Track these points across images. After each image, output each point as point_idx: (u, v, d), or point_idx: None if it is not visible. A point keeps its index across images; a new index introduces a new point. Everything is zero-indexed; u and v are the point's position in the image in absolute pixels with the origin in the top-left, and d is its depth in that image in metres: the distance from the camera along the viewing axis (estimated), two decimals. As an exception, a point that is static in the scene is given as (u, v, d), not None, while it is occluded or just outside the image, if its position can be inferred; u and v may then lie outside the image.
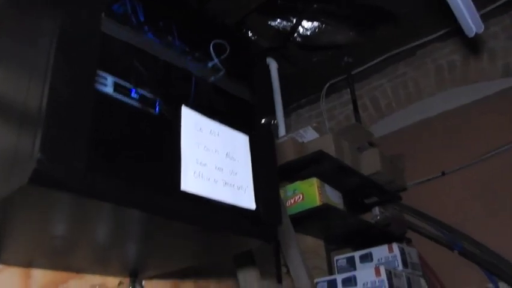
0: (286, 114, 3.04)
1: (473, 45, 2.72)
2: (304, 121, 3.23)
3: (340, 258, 2.30)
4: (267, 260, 1.96)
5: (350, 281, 2.03)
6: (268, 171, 1.17)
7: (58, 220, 0.90)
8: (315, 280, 2.11)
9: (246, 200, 1.07)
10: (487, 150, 2.54)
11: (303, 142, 2.25)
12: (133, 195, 0.83)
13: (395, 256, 2.16)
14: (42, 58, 0.79)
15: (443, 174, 2.63)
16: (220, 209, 0.99)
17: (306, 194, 2.02)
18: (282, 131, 2.48)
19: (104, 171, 0.81)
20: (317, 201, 1.97)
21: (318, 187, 2.01)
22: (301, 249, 2.16)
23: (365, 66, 3.07)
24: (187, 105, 1.01)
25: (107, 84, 0.89)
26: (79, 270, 1.24)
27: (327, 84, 3.21)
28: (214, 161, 1.02)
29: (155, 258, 1.24)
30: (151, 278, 1.40)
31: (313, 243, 2.32)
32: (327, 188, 2.10)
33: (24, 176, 0.71)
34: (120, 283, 1.29)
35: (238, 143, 1.12)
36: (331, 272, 2.31)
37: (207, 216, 0.97)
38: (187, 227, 0.96)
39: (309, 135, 2.28)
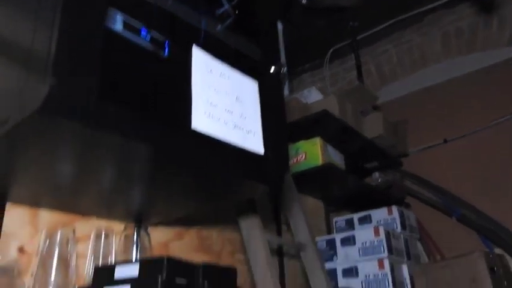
0: (289, 79, 3.01)
1: (483, 11, 2.68)
2: (307, 86, 3.20)
3: (339, 220, 2.34)
4: (267, 217, 1.99)
5: (349, 240, 2.06)
6: (277, 118, 1.16)
7: (66, 156, 0.90)
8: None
9: (255, 144, 1.07)
10: (490, 119, 2.54)
11: (306, 103, 2.24)
12: (143, 129, 0.82)
13: (394, 218, 2.19)
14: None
15: (445, 141, 2.64)
16: (230, 151, 0.99)
17: (309, 153, 2.02)
18: (285, 92, 2.46)
19: (115, 103, 0.80)
20: (319, 161, 1.98)
21: (321, 147, 2.02)
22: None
23: (370, 32, 3.03)
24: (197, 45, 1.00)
25: (117, 22, 0.88)
26: (85, 213, 1.25)
27: (331, 50, 3.18)
28: (224, 103, 1.02)
29: (160, 204, 1.25)
30: (155, 224, 1.42)
31: (313, 204, 2.34)
32: (330, 148, 2.10)
33: (35, 103, 0.71)
34: (126, 228, 1.30)
35: (247, 88, 1.11)
36: (330, 233, 2.34)
37: (216, 157, 0.97)
38: (196, 167, 0.96)
39: (313, 96, 2.27)
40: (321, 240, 2.13)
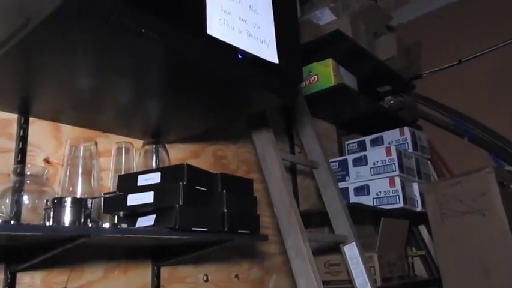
0: (301, 2, 2.92)
1: None
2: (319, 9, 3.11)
3: (351, 142, 2.37)
4: (281, 136, 2.03)
5: (361, 160, 2.10)
6: (291, 28, 1.15)
7: (84, 65, 0.91)
8: (327, 160, 2.18)
9: (269, 53, 1.07)
10: (506, 38, 2.48)
11: (319, 24, 2.20)
12: (161, 32, 0.82)
13: (405, 139, 2.22)
14: None
15: (460, 62, 2.59)
16: (244, 59, 1.00)
17: (321, 74, 2.02)
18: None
19: (133, 5, 0.80)
20: (332, 81, 1.97)
21: (333, 68, 2.00)
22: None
23: (384, -49, 2.89)
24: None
25: None
26: (105, 129, 1.29)
27: (344, -30, 3.05)
28: (238, 11, 1.01)
29: (177, 119, 1.28)
30: (172, 142, 1.46)
31: (325, 127, 2.37)
32: (342, 70, 2.09)
33: (55, 2, 0.71)
34: (144, 144, 1.35)
35: (260, -3, 1.09)
36: (342, 154, 2.39)
37: (232, 63, 0.98)
38: (211, 73, 0.97)
39: (325, 17, 2.22)
40: (333, 161, 2.18)
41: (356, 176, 2.10)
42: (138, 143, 1.35)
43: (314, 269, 1.34)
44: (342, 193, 2.06)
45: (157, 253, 1.33)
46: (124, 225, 1.07)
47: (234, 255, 1.62)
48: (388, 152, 2.04)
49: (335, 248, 1.76)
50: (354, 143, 2.36)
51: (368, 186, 2.05)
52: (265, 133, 1.51)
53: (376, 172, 2.04)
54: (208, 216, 1.09)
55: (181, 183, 1.03)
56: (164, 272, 1.36)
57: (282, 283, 1.80)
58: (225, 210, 1.12)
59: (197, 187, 1.09)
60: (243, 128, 1.57)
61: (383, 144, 2.26)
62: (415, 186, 2.10)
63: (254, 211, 1.23)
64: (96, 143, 1.18)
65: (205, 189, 1.11)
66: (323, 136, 2.32)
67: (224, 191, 1.14)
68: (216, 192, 1.14)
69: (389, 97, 2.35)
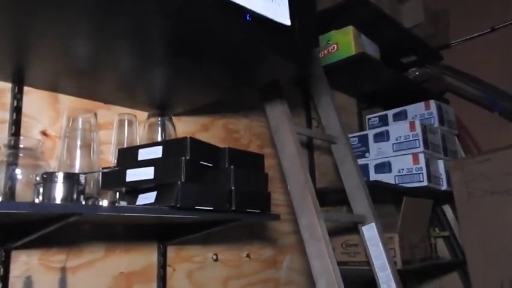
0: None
1: None
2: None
3: (372, 117, 2.25)
4: (296, 109, 1.92)
5: (382, 135, 1.98)
6: (305, -14, 1.04)
7: (81, 27, 0.82)
8: (346, 135, 2.07)
9: (281, 14, 0.96)
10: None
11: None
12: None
13: (431, 113, 2.08)
14: None
15: (493, 29, 2.41)
16: (253, 20, 0.89)
17: (341, 43, 1.88)
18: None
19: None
20: (353, 50, 1.84)
21: (354, 36, 1.87)
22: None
23: None
24: None
25: None
26: (106, 100, 1.21)
27: None
28: (245, -35, 0.90)
29: (184, 89, 1.19)
30: (179, 114, 1.37)
31: (345, 100, 2.24)
32: (364, 38, 1.95)
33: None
34: (149, 116, 1.26)
35: (271, -50, 0.98)
36: (362, 130, 2.27)
37: (240, 25, 0.87)
38: (218, 35, 0.87)
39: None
40: (353, 136, 2.07)
41: (377, 153, 1.98)
42: (142, 115, 1.27)
43: (330, 250, 1.25)
44: (362, 170, 1.96)
45: (162, 231, 1.27)
46: (124, 203, 1.00)
47: (245, 234, 1.54)
48: (412, 126, 1.91)
49: (353, 228, 1.67)
50: (375, 117, 2.24)
51: (389, 163, 1.93)
52: (279, 105, 1.41)
53: (399, 148, 1.92)
54: (213, 193, 1.01)
55: (183, 157, 0.95)
56: (171, 251, 1.29)
57: (296, 263, 1.73)
58: (233, 188, 1.03)
59: (202, 162, 1.00)
60: (255, 100, 1.47)
61: (406, 118, 2.13)
62: (440, 163, 1.97)
63: (265, 189, 1.14)
64: (96, 115, 1.10)
65: (210, 164, 1.03)
66: (342, 110, 2.20)
67: (232, 166, 1.05)
68: (223, 168, 1.06)
69: (414, 68, 2.20)
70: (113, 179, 1.00)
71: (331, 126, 1.65)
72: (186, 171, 0.94)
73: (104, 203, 1.00)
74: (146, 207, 0.94)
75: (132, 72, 1.05)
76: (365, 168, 1.98)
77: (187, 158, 0.95)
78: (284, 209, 1.67)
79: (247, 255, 1.53)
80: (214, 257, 1.42)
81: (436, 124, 2.05)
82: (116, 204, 0.99)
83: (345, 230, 1.80)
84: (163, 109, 1.29)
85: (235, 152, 1.09)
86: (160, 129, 1.26)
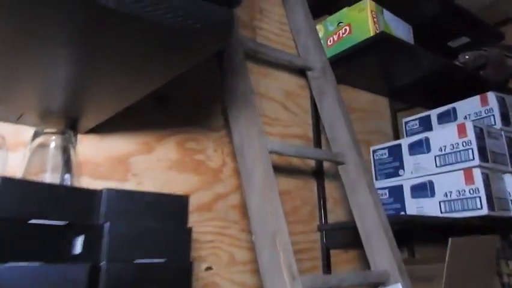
0: None
1: None
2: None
3: (410, 120, 1.71)
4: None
5: (421, 145, 1.45)
6: None
7: None
8: (372, 148, 1.56)
9: None
10: None
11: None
12: None
13: (490, 110, 1.51)
14: None
15: None
16: None
17: (355, 23, 1.38)
18: None
19: None
20: (370, 31, 1.33)
21: (372, 11, 1.36)
22: (355, 107, 1.59)
23: None
24: None
25: None
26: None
27: None
28: None
29: (88, 83, 0.75)
30: (102, 130, 0.94)
31: (373, 101, 1.72)
32: (388, 15, 1.43)
33: None
34: (37, 134, 0.84)
35: None
36: (398, 138, 1.74)
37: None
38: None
39: None
40: (381, 149, 1.54)
41: (415, 169, 1.44)
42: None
43: None
44: (395, 194, 1.44)
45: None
46: None
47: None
48: (461, 130, 1.36)
49: None
50: (414, 120, 1.70)
51: (431, 183, 1.39)
52: (246, 110, 0.94)
53: (444, 162, 1.38)
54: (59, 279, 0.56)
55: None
56: None
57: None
58: (102, 264, 0.58)
59: (33, 221, 0.56)
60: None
61: (456, 119, 1.58)
62: (508, 179, 1.40)
63: (185, 260, 0.67)
64: None
65: (60, 223, 0.58)
66: (370, 113, 1.68)
67: (107, 224, 0.60)
68: (93, 228, 0.61)
69: (465, 53, 1.64)
70: None
71: (337, 140, 1.16)
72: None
73: None
74: None
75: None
76: (398, 191, 1.45)
77: (-5, 219, 0.51)
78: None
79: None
80: None
81: (498, 125, 1.48)
82: None
83: None
84: (72, 123, 0.87)
85: (122, 195, 0.64)
86: (51, 152, 0.84)
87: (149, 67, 0.65)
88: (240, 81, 0.99)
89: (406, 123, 1.73)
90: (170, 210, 0.67)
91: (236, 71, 1.00)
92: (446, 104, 1.61)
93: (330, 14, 1.49)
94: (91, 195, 0.61)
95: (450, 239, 1.15)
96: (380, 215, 1.04)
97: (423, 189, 1.40)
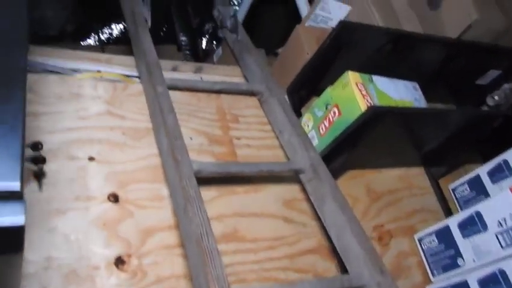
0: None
1: None
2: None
3: (457, 185, 1.40)
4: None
5: (473, 223, 1.12)
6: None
7: None
8: (417, 236, 1.25)
9: None
10: None
11: (324, 28, 1.38)
12: None
13: (552, 153, 1.18)
14: None
15: None
16: None
17: (342, 102, 1.16)
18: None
19: None
20: (361, 107, 1.10)
21: (357, 84, 1.14)
22: (379, 191, 1.32)
23: None
24: None
25: None
26: None
27: None
28: None
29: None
30: None
31: (402, 175, 1.42)
32: (380, 80, 1.20)
33: None
34: None
35: None
36: (449, 212, 1.39)
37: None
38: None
39: (333, 10, 1.37)
40: (427, 235, 1.23)
41: (475, 255, 1.10)
42: None
43: None
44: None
45: None
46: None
47: None
48: (520, 192, 1.03)
49: None
50: (463, 184, 1.38)
51: (503, 273, 1.03)
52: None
53: (510, 240, 1.03)
54: None
55: None
56: None
57: None
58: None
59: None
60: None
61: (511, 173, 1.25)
62: None
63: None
64: None
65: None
66: (407, 190, 1.39)
67: None
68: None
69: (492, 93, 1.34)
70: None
71: (350, 253, 0.90)
72: None
73: None
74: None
75: None
76: (464, 289, 1.10)
77: None
78: None
79: None
80: None
81: None
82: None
83: None
84: None
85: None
86: None
87: None
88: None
89: (453, 190, 1.41)
90: None
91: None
92: (494, 157, 1.29)
93: (317, 95, 1.29)
94: None
95: None
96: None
97: (495, 282, 1.05)
